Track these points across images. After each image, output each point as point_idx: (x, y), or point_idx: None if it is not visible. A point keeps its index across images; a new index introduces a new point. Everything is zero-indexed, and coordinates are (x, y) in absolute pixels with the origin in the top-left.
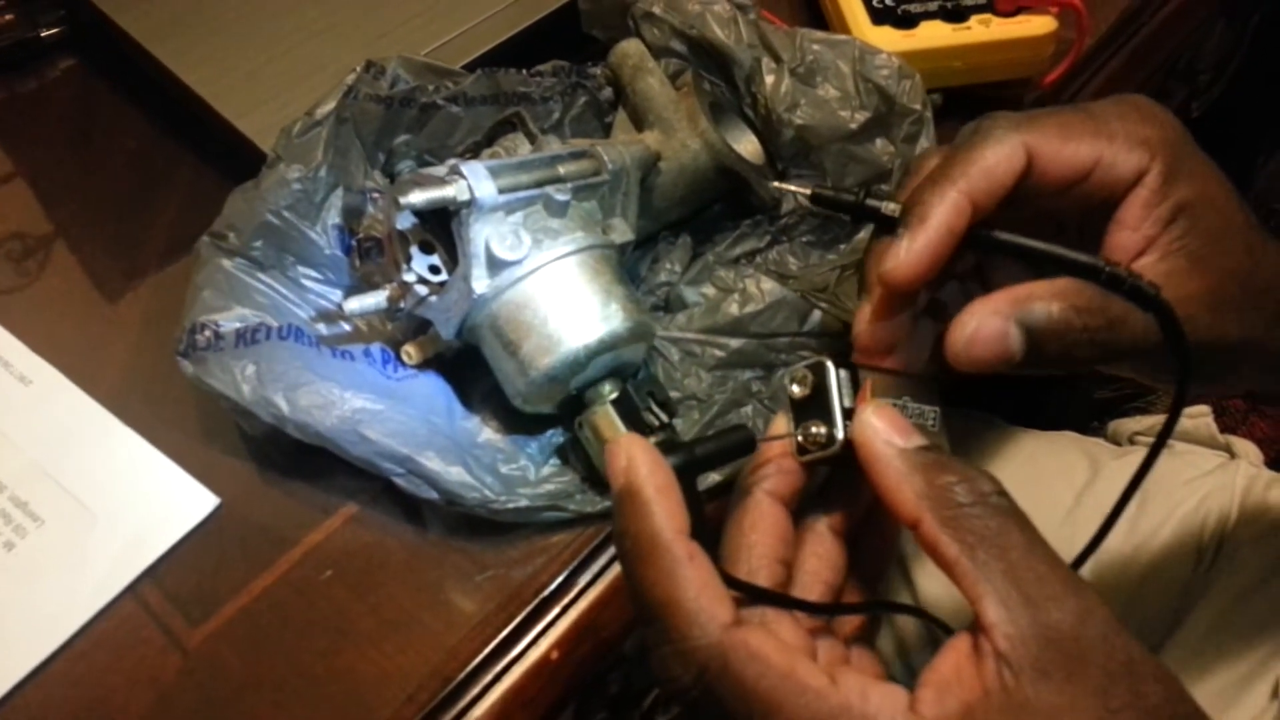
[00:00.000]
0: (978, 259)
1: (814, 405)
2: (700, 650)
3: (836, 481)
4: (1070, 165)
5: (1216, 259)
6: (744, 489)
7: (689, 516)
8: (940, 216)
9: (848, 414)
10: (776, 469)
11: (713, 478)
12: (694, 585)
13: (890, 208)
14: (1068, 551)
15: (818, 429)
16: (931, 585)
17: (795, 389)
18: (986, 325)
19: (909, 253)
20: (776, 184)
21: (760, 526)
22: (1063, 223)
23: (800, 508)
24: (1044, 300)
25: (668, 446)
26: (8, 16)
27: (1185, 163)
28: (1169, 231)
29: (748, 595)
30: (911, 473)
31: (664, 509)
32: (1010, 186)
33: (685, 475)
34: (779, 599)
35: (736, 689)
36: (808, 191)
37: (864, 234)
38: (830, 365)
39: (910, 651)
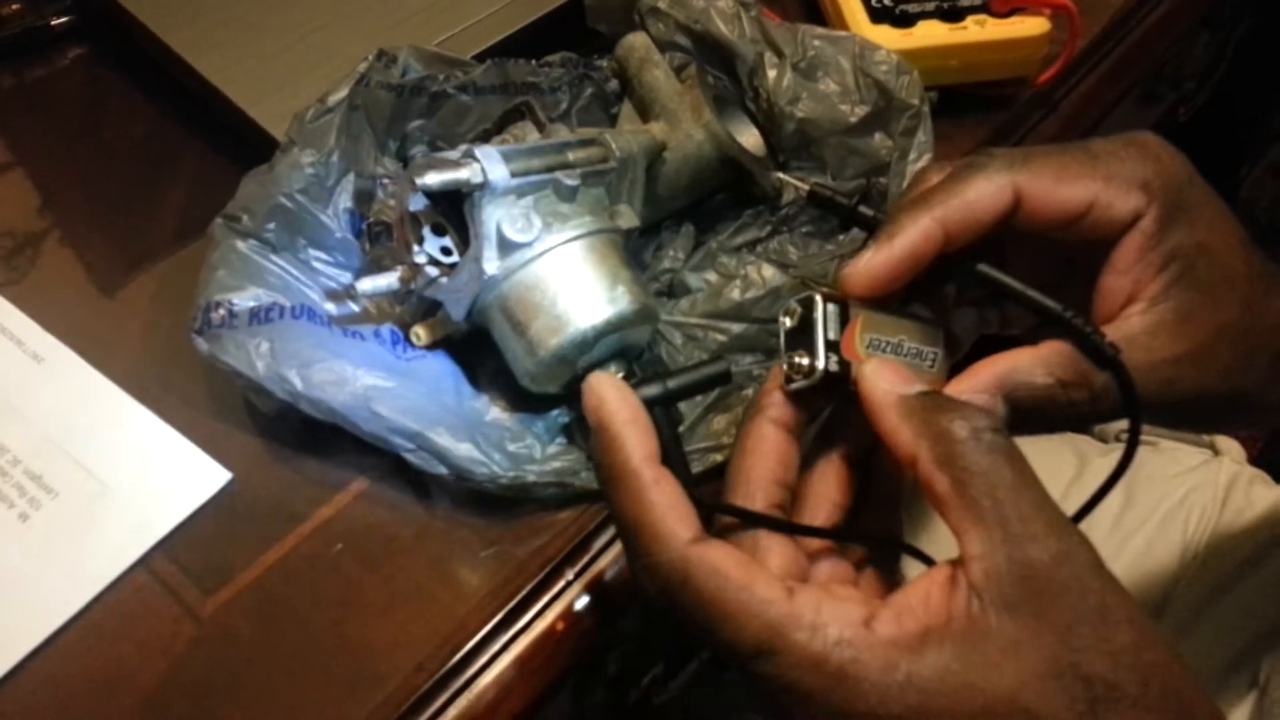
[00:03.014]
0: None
1: (801, 336)
2: (663, 565)
3: (844, 411)
4: (1062, 207)
5: (1207, 313)
6: (746, 420)
7: (658, 445)
8: (907, 238)
9: (832, 345)
10: (777, 399)
11: (714, 458)
12: (659, 507)
13: (879, 218)
14: None
15: (801, 359)
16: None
17: (786, 321)
18: (975, 400)
19: (867, 265)
20: (779, 174)
21: (759, 450)
22: (1071, 257)
23: (814, 437)
24: (1027, 374)
25: (641, 381)
26: (15, 5)
27: (1186, 208)
28: (1160, 279)
29: (736, 518)
30: (910, 415)
31: (632, 439)
32: (990, 223)
33: (661, 406)
34: (766, 521)
35: (695, 598)
36: (806, 187)
37: None
38: (819, 299)
39: None
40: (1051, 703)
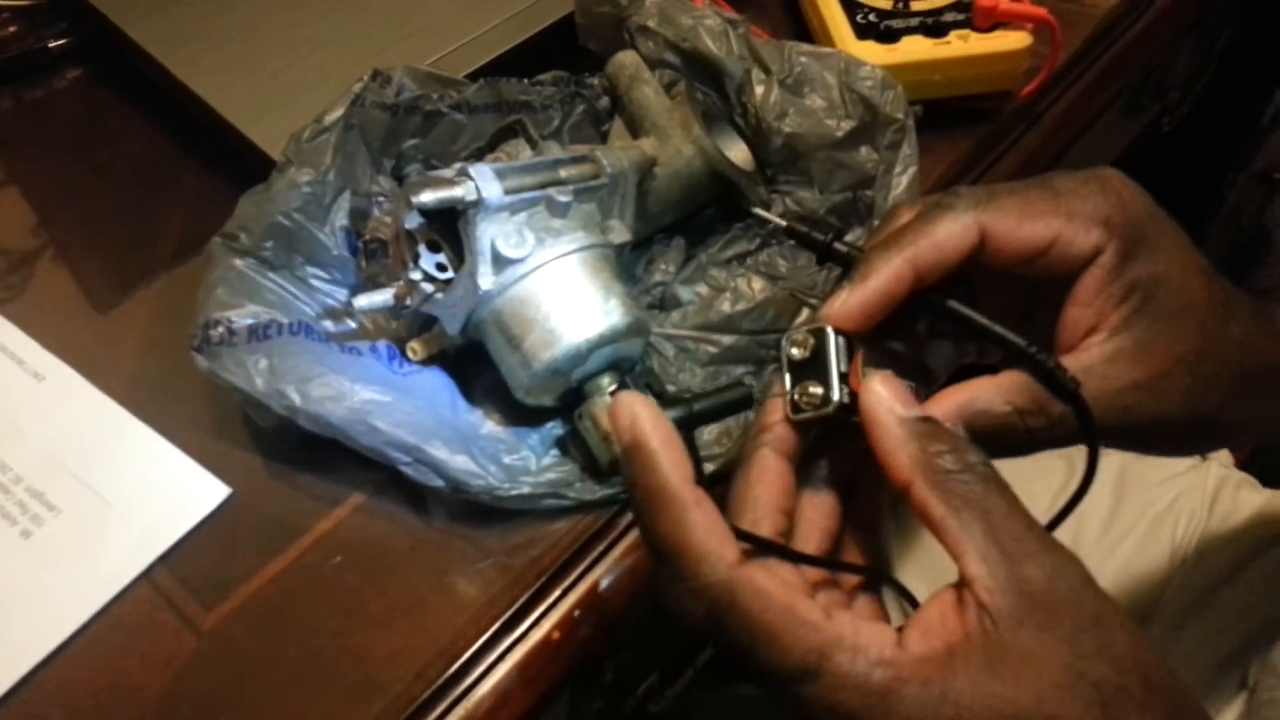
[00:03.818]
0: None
1: (812, 367)
2: (710, 587)
3: (827, 438)
4: (1026, 244)
5: (1166, 342)
6: (750, 447)
7: (692, 465)
8: (879, 278)
9: (843, 378)
10: (779, 428)
11: (706, 468)
12: (702, 528)
13: (854, 254)
14: None
15: (815, 389)
16: (911, 572)
17: (795, 351)
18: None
19: (843, 305)
20: (756, 210)
21: (764, 479)
22: (1036, 290)
23: (800, 467)
24: (986, 403)
25: (667, 402)
26: (13, 28)
27: (1145, 241)
28: (1120, 310)
29: (752, 545)
30: (908, 439)
31: (669, 459)
32: (957, 261)
33: (684, 428)
34: (780, 550)
35: (742, 621)
36: (783, 223)
37: (851, 236)
38: (830, 330)
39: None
40: (1071, 708)
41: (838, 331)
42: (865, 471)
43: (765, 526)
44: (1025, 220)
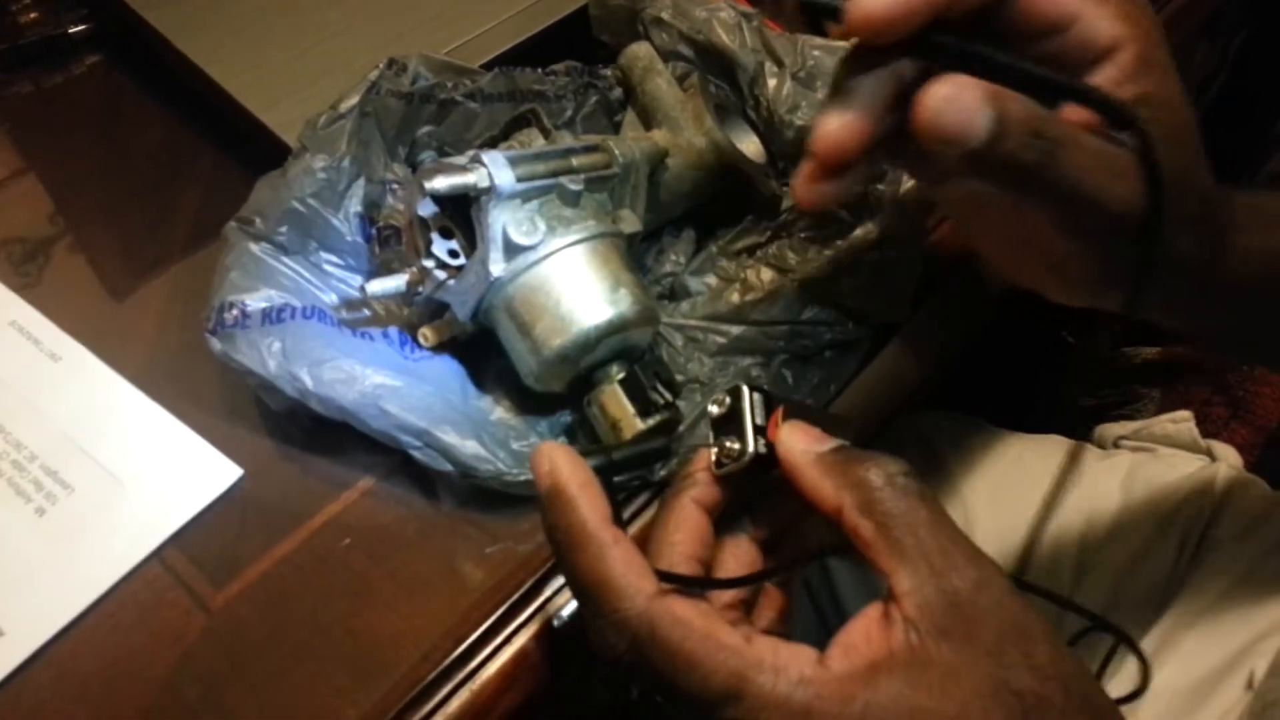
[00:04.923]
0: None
1: (730, 423)
2: (631, 619)
3: (759, 499)
4: (1052, 10)
5: (1167, 151)
6: (671, 494)
7: (610, 508)
8: None
9: (760, 431)
10: (701, 480)
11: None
12: (620, 563)
13: None
14: (1057, 544)
15: (731, 444)
16: None
17: (714, 409)
18: (963, 95)
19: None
20: None
21: (683, 528)
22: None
23: (725, 520)
24: (1016, 97)
25: (586, 452)
26: (34, 14)
27: (1156, 58)
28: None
29: (668, 582)
30: (828, 471)
31: (587, 502)
32: None
33: (603, 475)
34: (698, 582)
35: (664, 650)
36: None
37: (861, 230)
38: (745, 388)
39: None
40: (994, 717)
41: (753, 389)
42: (792, 531)
43: (681, 571)
44: None
